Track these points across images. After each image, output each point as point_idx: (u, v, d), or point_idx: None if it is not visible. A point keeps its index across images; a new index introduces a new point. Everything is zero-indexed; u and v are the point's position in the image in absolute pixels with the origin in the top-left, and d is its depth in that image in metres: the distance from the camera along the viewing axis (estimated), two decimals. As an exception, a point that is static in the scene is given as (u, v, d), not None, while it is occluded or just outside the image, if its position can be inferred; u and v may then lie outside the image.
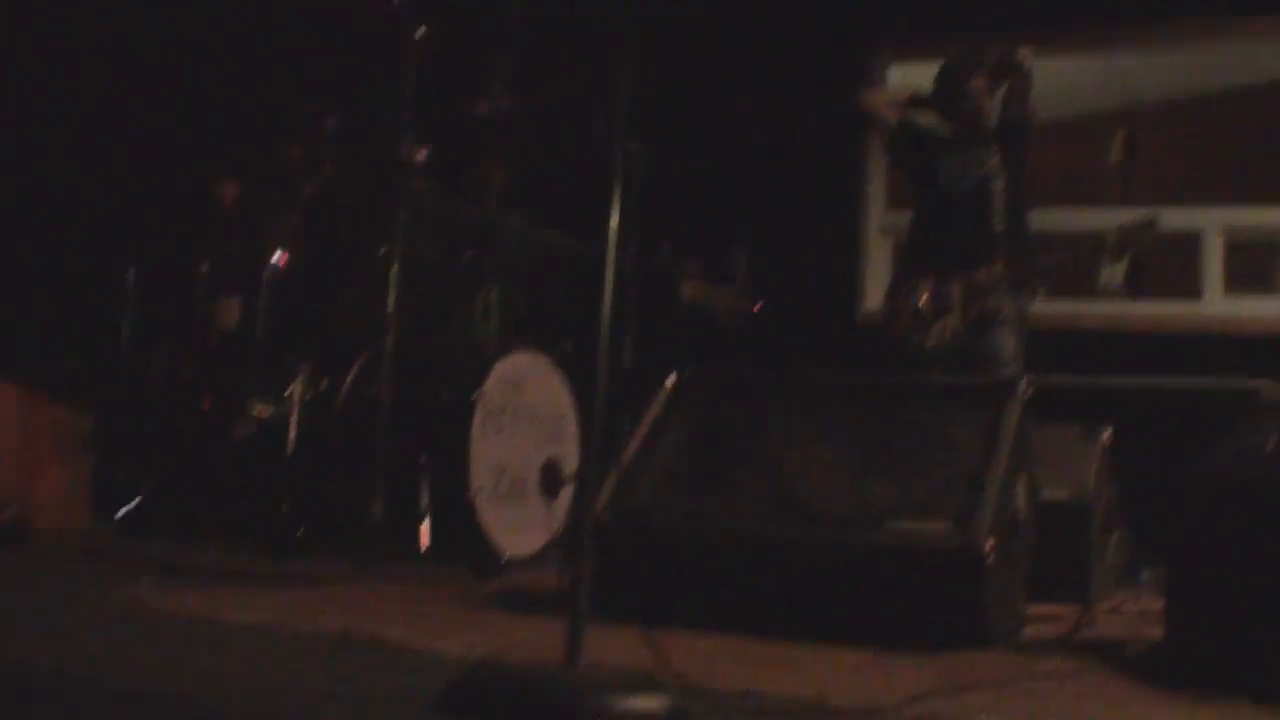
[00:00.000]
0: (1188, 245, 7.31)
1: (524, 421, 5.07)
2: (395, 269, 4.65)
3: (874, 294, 6.89)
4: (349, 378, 4.99)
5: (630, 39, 2.85)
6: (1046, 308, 7.03)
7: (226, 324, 5.40)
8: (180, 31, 6.15)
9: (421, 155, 4.88)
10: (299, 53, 5.66)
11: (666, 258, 6.38)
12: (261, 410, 5.08)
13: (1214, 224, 7.29)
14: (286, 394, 5.03)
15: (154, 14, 6.10)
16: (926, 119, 6.01)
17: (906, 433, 3.79)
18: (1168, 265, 7.70)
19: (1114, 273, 7.91)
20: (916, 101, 6.04)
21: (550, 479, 5.13)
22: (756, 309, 6.78)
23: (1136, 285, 7.87)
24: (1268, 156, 8.12)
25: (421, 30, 4.67)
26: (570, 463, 5.14)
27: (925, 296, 5.62)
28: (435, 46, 4.72)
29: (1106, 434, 4.83)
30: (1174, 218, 6.74)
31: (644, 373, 4.72)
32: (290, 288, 5.23)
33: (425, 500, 4.76)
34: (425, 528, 4.72)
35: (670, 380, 4.19)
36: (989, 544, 3.30)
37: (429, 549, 4.70)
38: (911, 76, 7.09)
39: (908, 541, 3.44)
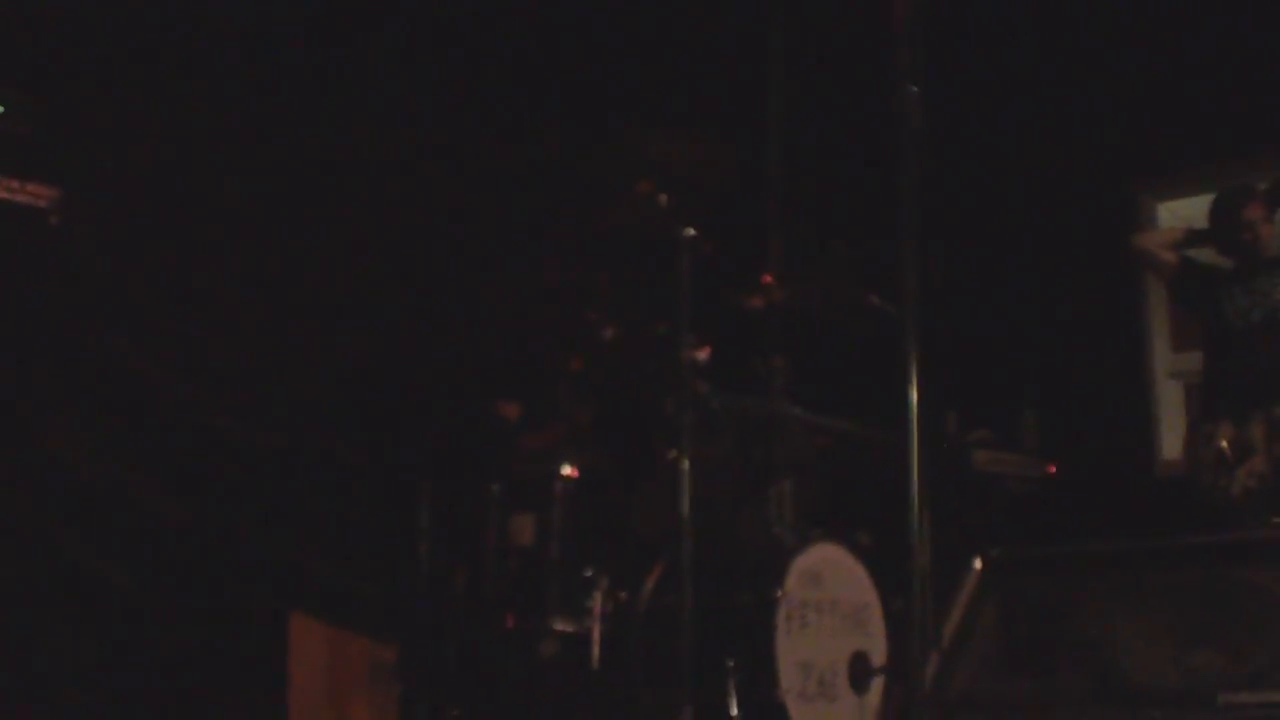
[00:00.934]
0: None
1: (827, 616, 5.10)
2: (685, 472, 4.77)
3: (1171, 442, 6.87)
4: (648, 587, 5.10)
5: (913, 211, 2.95)
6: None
7: (523, 541, 5.57)
8: (462, 247, 6.46)
9: (703, 355, 5.03)
10: (572, 263, 5.90)
11: (953, 430, 6.43)
12: (564, 626, 5.21)
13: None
14: (587, 607, 5.15)
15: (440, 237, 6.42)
16: (1206, 255, 6.01)
17: (1233, 596, 3.72)
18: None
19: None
20: (1192, 238, 6.07)
21: (859, 672, 5.14)
22: (1052, 472, 6.75)
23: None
24: None
25: (690, 231, 4.84)
26: (878, 655, 5.15)
27: (1226, 439, 5.55)
28: (705, 245, 4.89)
29: None
30: None
31: (944, 550, 4.73)
32: (582, 500, 5.39)
33: (734, 706, 4.81)
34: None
35: (977, 561, 4.20)
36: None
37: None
38: (1182, 213, 7.09)
39: (1246, 715, 3.36)
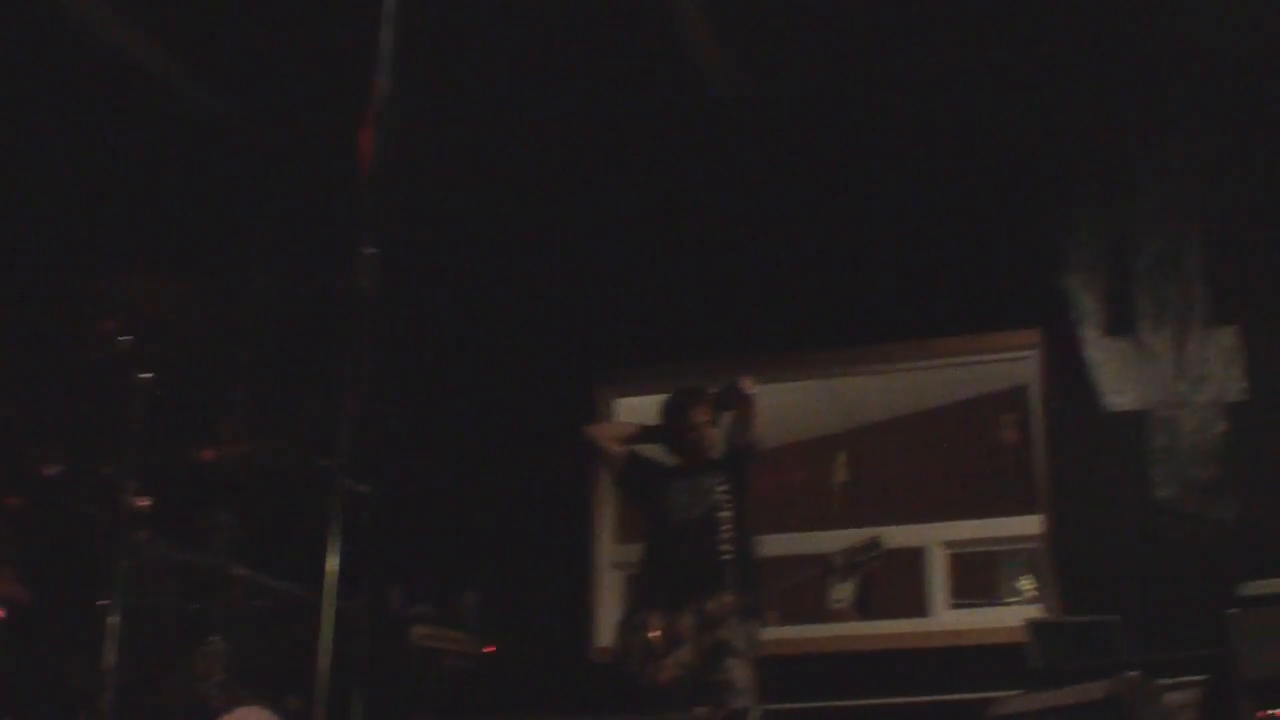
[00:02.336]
0: (913, 562, 7.75)
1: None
2: (116, 622, 4.73)
3: (607, 630, 7.08)
4: (65, 740, 5.02)
5: (360, 377, 3.12)
6: (778, 633, 7.45)
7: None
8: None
9: (145, 503, 5.01)
10: (18, 397, 5.80)
11: (396, 603, 6.59)
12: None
13: (936, 539, 7.76)
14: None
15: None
16: (653, 451, 6.44)
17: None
18: (895, 583, 8.21)
19: (843, 594, 8.41)
20: (644, 434, 6.47)
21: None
22: (489, 651, 6.99)
23: (865, 605, 8.37)
24: (979, 470, 8.83)
25: (147, 375, 4.87)
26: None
27: (657, 630, 5.91)
28: (162, 391, 4.92)
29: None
30: (898, 535, 7.25)
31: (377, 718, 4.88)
32: (10, 642, 5.24)
33: None
34: None
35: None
36: None
37: None
38: (639, 409, 7.58)
39: None
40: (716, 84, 7.59)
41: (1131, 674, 3.03)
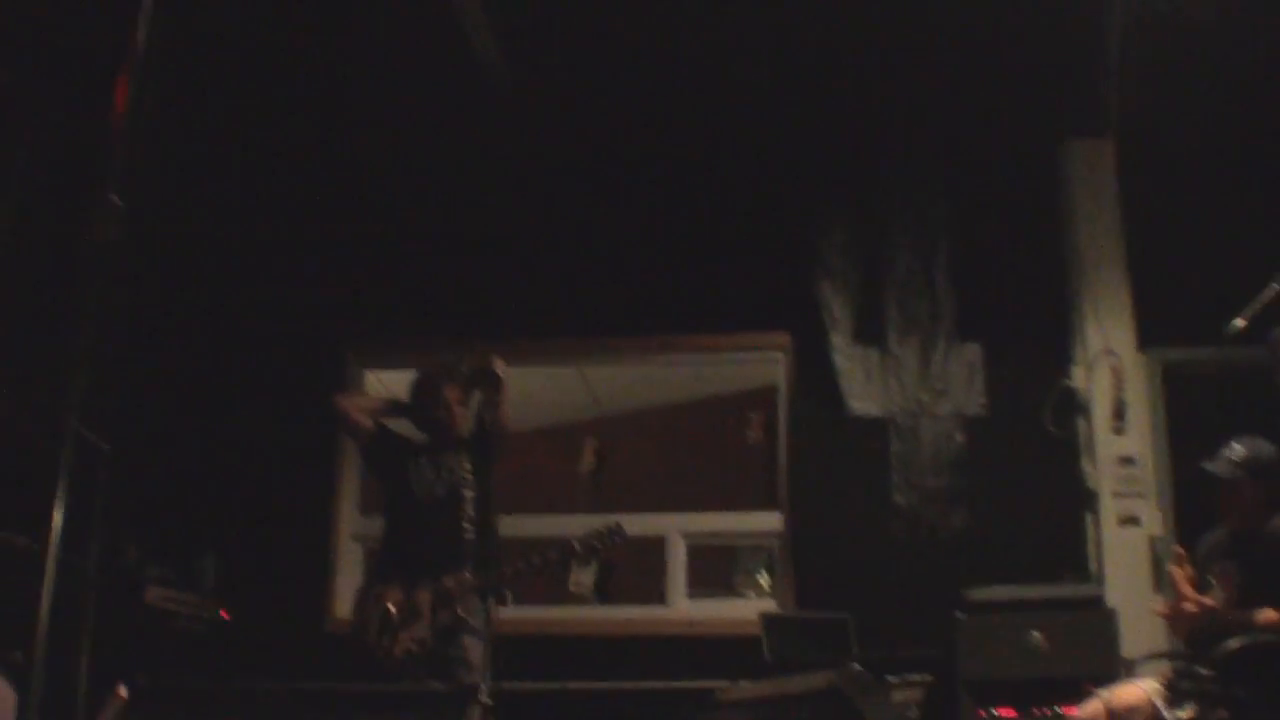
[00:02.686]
0: (654, 551, 7.86)
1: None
2: None
3: (345, 602, 7.08)
4: None
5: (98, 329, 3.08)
6: (517, 613, 7.52)
7: None
8: None
9: None
10: None
11: (131, 562, 6.49)
12: None
13: (677, 530, 7.87)
14: None
15: None
16: (402, 425, 6.45)
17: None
18: (636, 570, 8.35)
19: (583, 579, 8.53)
20: (393, 408, 6.47)
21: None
22: (224, 616, 6.91)
23: (605, 590, 8.50)
24: (724, 465, 9.04)
25: None
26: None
27: (394, 603, 5.95)
28: None
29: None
30: (640, 524, 7.33)
31: (105, 679, 4.80)
32: None
33: None
34: None
35: (122, 689, 4.30)
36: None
37: None
38: (388, 383, 7.58)
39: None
40: (485, 70, 7.60)
41: (854, 666, 3.17)
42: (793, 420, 7.84)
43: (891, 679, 6.58)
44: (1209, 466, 5.60)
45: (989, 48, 7.51)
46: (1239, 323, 4.87)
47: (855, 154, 8.09)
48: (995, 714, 6.51)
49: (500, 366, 6.21)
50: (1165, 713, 5.12)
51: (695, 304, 7.93)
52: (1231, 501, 5.58)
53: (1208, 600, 5.37)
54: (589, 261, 8.02)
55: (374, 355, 8.10)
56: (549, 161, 8.12)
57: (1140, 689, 5.26)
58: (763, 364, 8.15)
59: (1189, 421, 7.64)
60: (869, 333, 7.88)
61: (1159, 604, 5.84)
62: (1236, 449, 5.56)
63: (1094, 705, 5.38)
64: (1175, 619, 5.54)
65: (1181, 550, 5.66)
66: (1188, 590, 5.46)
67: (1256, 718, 5.04)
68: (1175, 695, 5.19)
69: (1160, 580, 7.27)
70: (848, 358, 7.82)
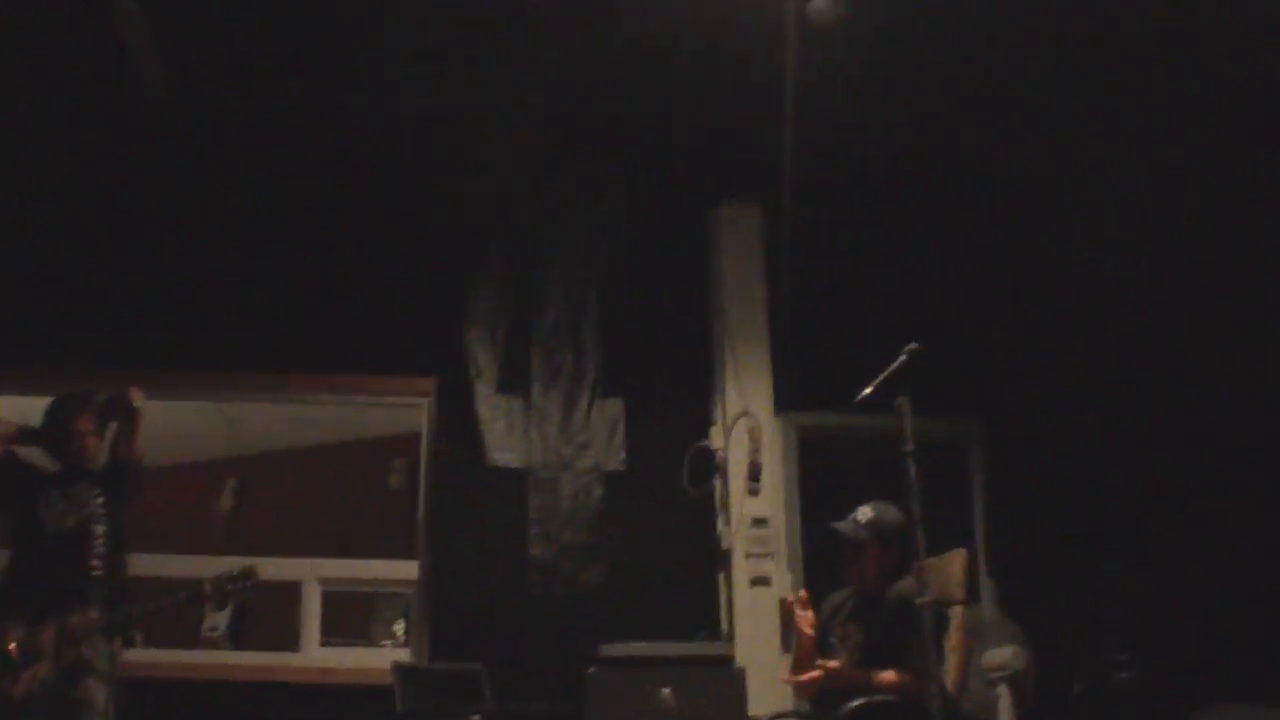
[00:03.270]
0: (289, 595, 7.78)
1: None
2: None
3: None
4: None
5: None
6: (146, 656, 7.34)
7: None
8: None
9: None
10: None
11: None
12: None
13: (313, 575, 7.82)
14: None
15: None
16: (33, 454, 6.23)
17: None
18: (271, 615, 8.24)
19: (217, 622, 8.36)
20: (23, 435, 6.24)
21: None
22: None
23: (239, 634, 8.35)
24: (365, 510, 9.01)
25: None
26: None
27: (15, 642, 5.72)
28: None
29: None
30: (276, 568, 7.28)
31: None
32: None
33: None
34: None
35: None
36: None
37: None
38: (21, 410, 7.29)
39: None
40: (152, 88, 7.42)
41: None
42: (434, 468, 7.85)
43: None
44: (837, 527, 5.87)
45: (646, 108, 7.74)
46: (868, 391, 5.12)
47: (507, 202, 8.19)
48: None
49: (138, 397, 6.10)
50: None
51: (341, 344, 7.88)
52: (856, 563, 5.86)
53: (831, 663, 5.62)
54: (233, 294, 7.86)
55: (6, 379, 7.74)
56: (198, 187, 7.96)
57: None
58: (407, 409, 8.15)
59: (821, 485, 7.98)
60: (513, 383, 7.95)
61: (783, 670, 6.06)
62: (864, 512, 5.84)
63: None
64: (798, 683, 5.78)
65: (805, 593, 5.88)
66: (808, 634, 5.68)
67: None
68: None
69: (788, 641, 7.57)
70: (490, 407, 7.89)
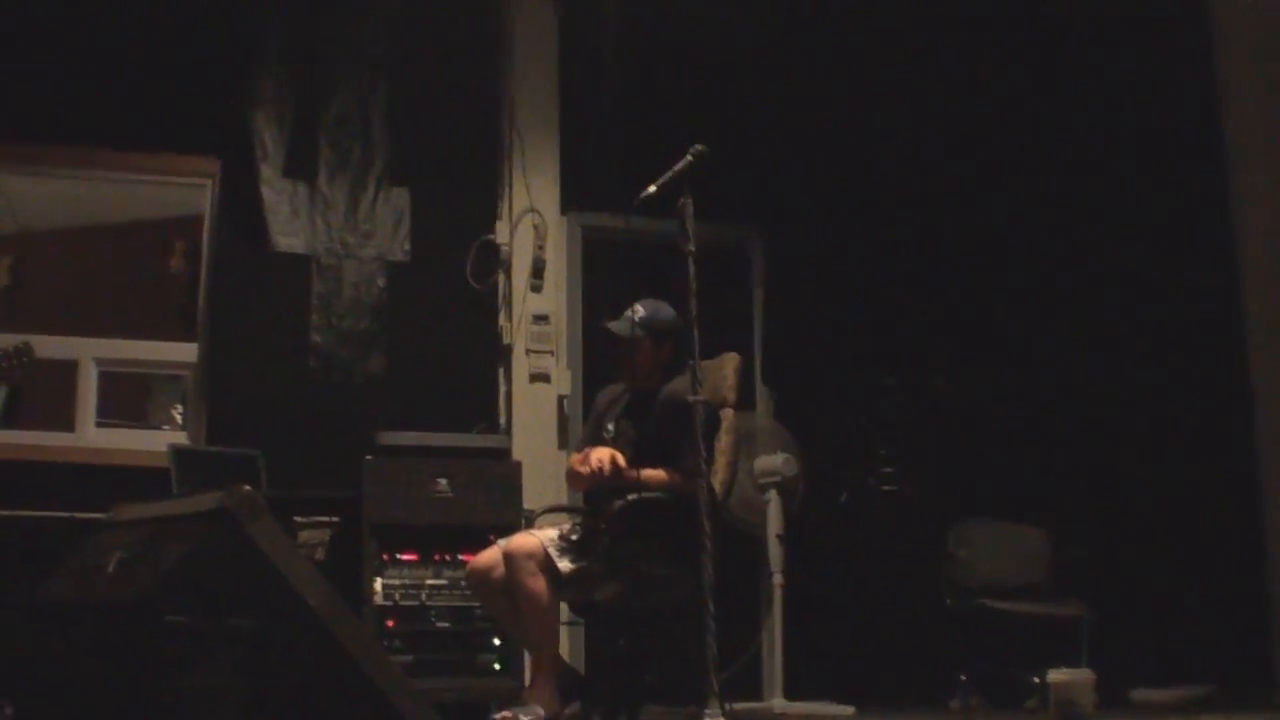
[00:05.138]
0: (65, 375, 7.72)
1: None
2: None
3: None
4: None
5: None
6: (-86, 434, 7.22)
7: None
8: None
9: None
10: None
11: None
12: None
13: (90, 354, 7.75)
14: None
15: None
16: None
17: None
18: (46, 395, 8.13)
19: (-11, 402, 8.22)
20: None
21: None
22: None
23: (13, 414, 8.23)
24: (144, 293, 8.88)
25: None
26: None
27: None
28: None
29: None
30: (52, 347, 7.23)
31: None
32: None
33: None
34: None
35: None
36: None
37: None
38: None
39: None
40: None
41: (245, 488, 3.30)
42: (215, 251, 7.78)
43: (299, 519, 6.75)
44: (610, 326, 5.95)
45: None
46: (651, 189, 5.14)
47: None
48: (399, 558, 6.79)
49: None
50: (556, 561, 5.50)
51: (123, 120, 7.66)
52: (631, 361, 5.95)
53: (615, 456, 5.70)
54: (10, 63, 7.54)
55: None
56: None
57: (535, 538, 5.60)
58: (189, 190, 8.04)
59: (602, 286, 8.09)
60: (299, 169, 7.88)
61: (570, 459, 6.16)
62: (638, 309, 5.90)
63: (491, 552, 5.72)
64: (574, 477, 5.92)
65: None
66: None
67: (621, 569, 5.49)
68: (566, 546, 5.57)
69: (565, 438, 7.75)
70: (275, 191, 7.82)
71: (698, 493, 4.96)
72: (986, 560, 7.61)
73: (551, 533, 5.65)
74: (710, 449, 5.50)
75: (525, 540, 5.59)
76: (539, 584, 5.45)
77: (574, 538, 5.62)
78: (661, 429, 5.69)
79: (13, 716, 3.75)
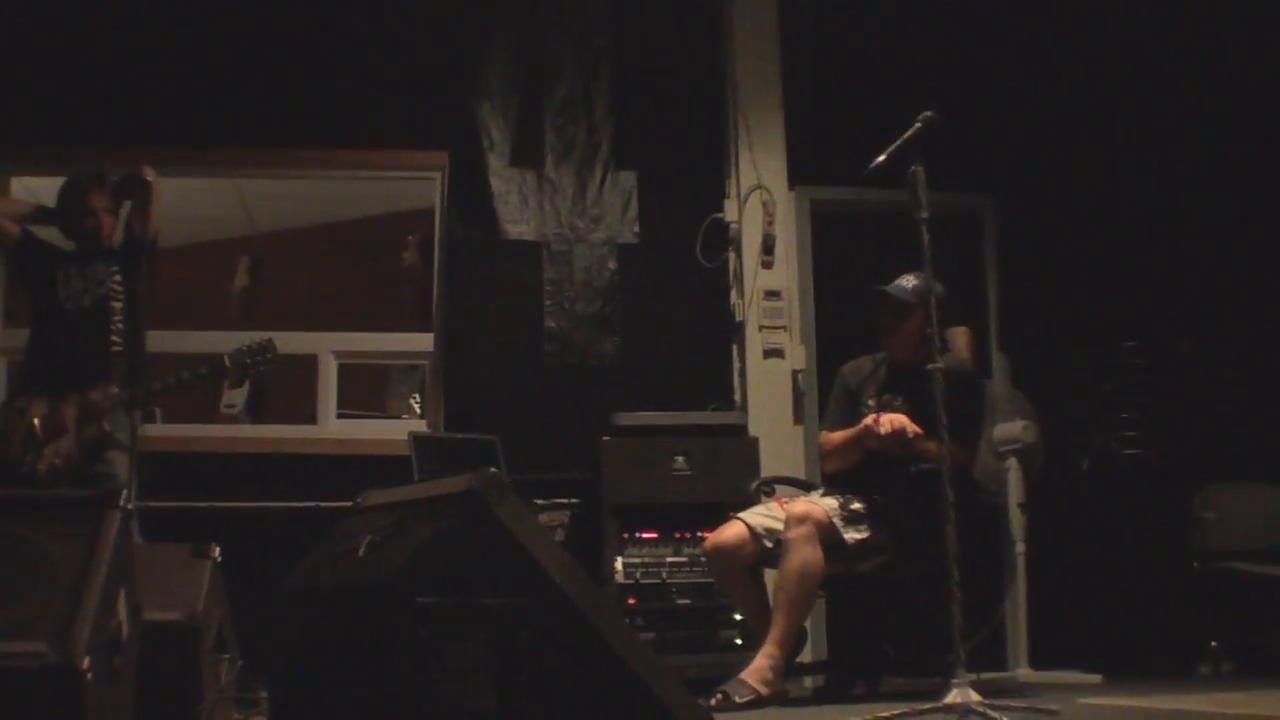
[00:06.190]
0: (306, 370, 7.87)
1: None
2: None
3: None
4: None
5: None
6: (166, 430, 7.46)
7: None
8: None
9: None
10: None
11: None
12: None
13: (329, 349, 7.85)
14: None
15: None
16: (49, 234, 6.26)
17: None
18: (288, 389, 8.33)
19: (235, 398, 8.47)
20: (39, 214, 6.29)
21: None
22: None
23: (256, 409, 8.46)
24: (378, 286, 9.04)
25: None
26: None
27: (39, 417, 5.82)
28: None
29: (215, 554, 5.03)
30: (292, 342, 7.38)
31: None
32: None
33: None
34: None
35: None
36: (86, 663, 3.45)
37: None
38: (35, 189, 7.29)
39: (3, 664, 3.46)
40: None
41: (491, 470, 3.30)
42: (448, 242, 7.87)
43: (539, 501, 6.79)
44: (887, 289, 5.79)
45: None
46: (881, 159, 4.99)
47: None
48: (638, 537, 6.79)
49: (150, 174, 6.16)
50: (841, 531, 5.41)
51: (354, 119, 7.84)
52: (896, 330, 5.81)
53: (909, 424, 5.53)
54: (247, 68, 7.77)
55: (19, 159, 7.74)
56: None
57: (820, 506, 5.52)
58: (420, 184, 8.16)
59: (833, 259, 7.99)
60: (526, 156, 7.93)
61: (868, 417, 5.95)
62: (909, 279, 5.74)
63: (737, 529, 5.65)
64: (867, 436, 5.69)
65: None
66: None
67: (919, 543, 5.34)
68: (849, 516, 5.49)
69: (800, 413, 7.68)
70: (504, 180, 7.88)
71: (971, 467, 4.82)
72: (1236, 522, 7.37)
73: (832, 502, 5.56)
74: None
75: (810, 508, 5.51)
76: (816, 553, 5.38)
77: (854, 507, 5.53)
78: (946, 401, 5.38)
79: (267, 700, 3.82)
